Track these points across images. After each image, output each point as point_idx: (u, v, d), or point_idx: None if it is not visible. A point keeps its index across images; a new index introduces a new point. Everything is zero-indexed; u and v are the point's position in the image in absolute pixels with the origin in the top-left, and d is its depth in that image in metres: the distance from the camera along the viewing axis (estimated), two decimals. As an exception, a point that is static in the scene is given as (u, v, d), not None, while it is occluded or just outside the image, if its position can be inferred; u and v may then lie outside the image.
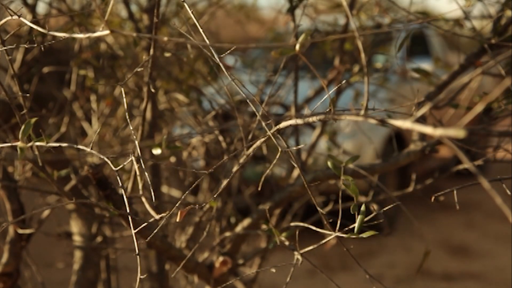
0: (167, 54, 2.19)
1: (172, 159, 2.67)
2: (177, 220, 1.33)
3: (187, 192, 1.47)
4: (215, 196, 1.57)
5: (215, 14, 3.52)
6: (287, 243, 1.63)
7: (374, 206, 2.15)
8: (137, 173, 1.64)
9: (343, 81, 2.18)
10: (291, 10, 2.14)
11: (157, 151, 1.55)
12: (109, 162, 1.28)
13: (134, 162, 1.31)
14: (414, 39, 6.90)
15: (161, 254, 1.92)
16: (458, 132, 0.80)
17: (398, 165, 1.88)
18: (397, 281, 4.75)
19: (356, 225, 1.41)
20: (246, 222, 2.08)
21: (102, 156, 1.30)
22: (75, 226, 2.32)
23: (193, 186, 1.43)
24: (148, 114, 2.31)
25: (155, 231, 1.53)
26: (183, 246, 2.22)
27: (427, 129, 0.85)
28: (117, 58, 2.71)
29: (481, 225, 6.07)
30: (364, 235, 1.37)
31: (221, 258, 2.01)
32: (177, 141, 2.30)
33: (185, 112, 2.76)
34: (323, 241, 1.66)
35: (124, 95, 1.42)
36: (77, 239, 2.29)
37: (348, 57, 2.77)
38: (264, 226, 1.93)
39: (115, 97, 2.87)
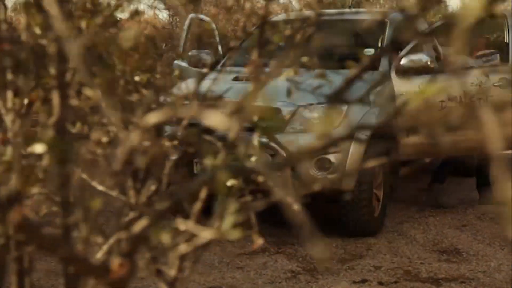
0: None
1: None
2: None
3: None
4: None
5: None
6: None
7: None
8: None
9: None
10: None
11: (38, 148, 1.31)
12: None
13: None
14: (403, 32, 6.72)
15: (49, 253, 1.68)
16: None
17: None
18: (381, 284, 4.58)
19: (225, 223, 1.20)
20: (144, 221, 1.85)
21: None
22: None
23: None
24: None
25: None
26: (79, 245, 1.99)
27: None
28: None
29: (473, 227, 5.92)
30: (232, 235, 1.15)
31: (117, 260, 1.78)
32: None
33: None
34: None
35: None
36: None
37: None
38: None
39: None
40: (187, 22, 7.56)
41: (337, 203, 5.55)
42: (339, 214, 5.57)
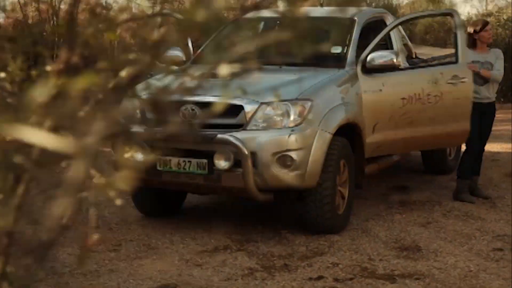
0: None
1: None
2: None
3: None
4: None
5: None
6: None
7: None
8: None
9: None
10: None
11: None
12: None
13: None
14: (372, 30, 6.75)
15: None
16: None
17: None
18: (336, 281, 4.59)
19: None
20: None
21: None
22: None
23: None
24: None
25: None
26: None
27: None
28: None
29: (437, 224, 5.93)
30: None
31: None
32: None
33: None
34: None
35: None
36: None
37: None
38: None
39: None
40: None
41: (301, 200, 5.56)
42: (302, 211, 5.57)
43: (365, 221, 6.05)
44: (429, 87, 6.43)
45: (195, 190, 5.73)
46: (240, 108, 5.35)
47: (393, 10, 18.04)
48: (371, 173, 6.44)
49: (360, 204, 6.55)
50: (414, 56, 7.39)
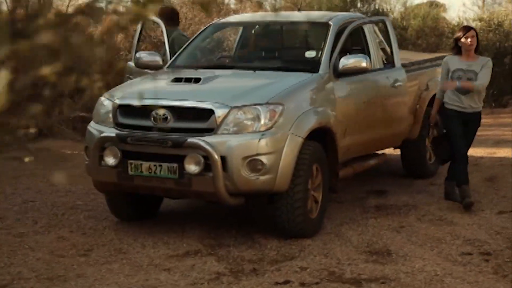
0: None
1: None
2: None
3: None
4: None
5: None
6: None
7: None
8: None
9: None
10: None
11: None
12: None
13: None
14: (349, 35, 6.77)
15: None
16: None
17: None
18: (302, 285, 4.59)
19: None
20: None
21: None
22: None
23: None
24: None
25: None
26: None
27: None
28: None
29: (411, 228, 5.93)
30: None
31: None
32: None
33: None
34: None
35: None
36: None
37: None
38: None
39: None
40: (139, 25, 7.57)
41: (272, 204, 5.56)
42: (274, 215, 5.58)
43: (339, 225, 6.04)
44: (381, 91, 6.76)
45: (166, 194, 5.73)
46: (210, 112, 5.35)
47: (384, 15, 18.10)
48: (345, 177, 6.45)
49: (336, 208, 6.56)
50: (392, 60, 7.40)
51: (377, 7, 18.25)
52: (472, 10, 24.28)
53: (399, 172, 8.07)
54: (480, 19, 17.65)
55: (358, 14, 7.60)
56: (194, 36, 7.06)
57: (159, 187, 5.46)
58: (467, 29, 6.63)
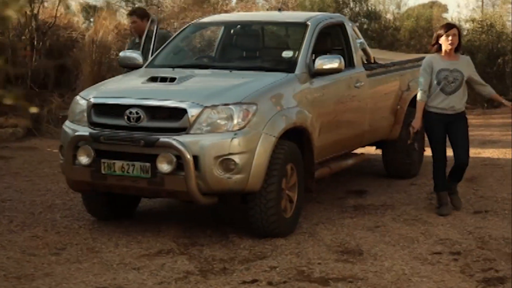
0: None
1: None
2: None
3: None
4: None
5: None
6: None
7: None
8: None
9: None
10: None
11: None
12: None
13: None
14: (329, 35, 6.79)
15: None
16: None
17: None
18: (270, 284, 4.60)
19: None
20: None
21: None
22: None
23: None
24: None
25: None
26: None
27: None
28: None
29: (385, 228, 5.94)
30: None
31: None
32: None
33: None
34: None
35: None
36: None
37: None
38: None
39: None
40: (153, 25, 7.51)
41: (245, 204, 5.57)
42: (247, 215, 5.58)
43: (315, 225, 6.05)
44: (347, 91, 6.71)
45: (139, 193, 5.73)
46: (183, 111, 5.36)
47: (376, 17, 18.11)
48: (322, 177, 6.46)
49: (314, 208, 6.57)
50: (372, 61, 7.41)
51: (370, 8, 18.20)
52: (470, 10, 24.11)
53: (381, 172, 8.09)
54: (473, 20, 17.64)
55: (338, 15, 7.59)
56: (174, 36, 7.06)
57: (132, 186, 5.47)
58: (448, 26, 6.36)
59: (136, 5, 8.41)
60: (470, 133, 6.56)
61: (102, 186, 5.57)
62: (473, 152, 9.35)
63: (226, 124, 5.35)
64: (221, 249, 5.41)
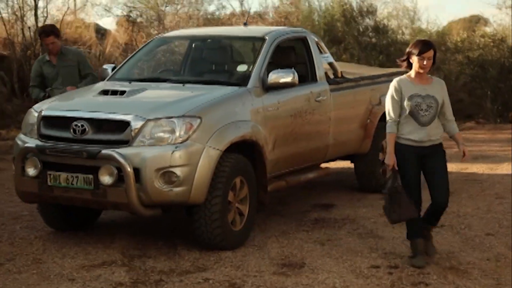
0: None
1: None
2: None
3: None
4: None
5: None
6: None
7: None
8: None
9: None
10: None
11: None
12: None
13: None
14: (288, 49, 6.80)
15: None
16: None
17: None
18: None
19: None
20: None
21: None
22: None
23: None
24: None
25: None
26: None
27: None
28: None
29: (335, 242, 5.89)
30: None
31: None
32: None
33: None
34: None
35: None
36: None
37: None
38: None
39: None
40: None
41: (190, 216, 5.59)
42: (192, 227, 5.60)
43: (267, 238, 6.04)
44: (306, 105, 6.65)
45: (85, 205, 5.77)
46: (127, 124, 5.41)
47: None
48: (277, 190, 6.45)
49: (273, 221, 6.56)
50: (340, 76, 7.40)
51: (378, 23, 18.10)
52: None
53: (355, 186, 8.04)
54: (483, 36, 17.38)
55: (301, 29, 7.60)
56: (138, 50, 7.15)
57: (77, 198, 5.52)
58: (425, 46, 5.14)
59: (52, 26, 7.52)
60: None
61: (48, 197, 5.64)
62: (460, 167, 9.28)
63: (169, 137, 5.38)
64: (165, 261, 5.42)
